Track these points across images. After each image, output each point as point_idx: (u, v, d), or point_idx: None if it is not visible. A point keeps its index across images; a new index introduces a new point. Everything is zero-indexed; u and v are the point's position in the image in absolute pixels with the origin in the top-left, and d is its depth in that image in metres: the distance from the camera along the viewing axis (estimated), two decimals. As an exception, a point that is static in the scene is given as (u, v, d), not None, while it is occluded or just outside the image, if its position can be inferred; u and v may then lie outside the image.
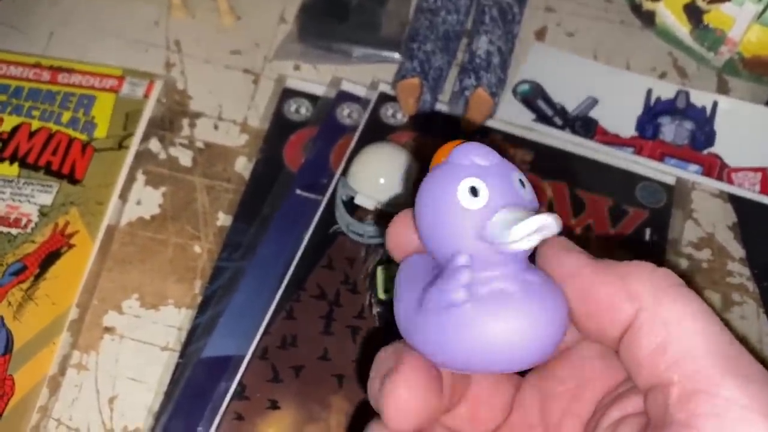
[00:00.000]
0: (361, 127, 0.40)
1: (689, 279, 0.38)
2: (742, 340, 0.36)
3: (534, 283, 0.18)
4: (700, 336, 0.17)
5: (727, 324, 0.36)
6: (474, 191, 0.18)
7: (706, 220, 0.40)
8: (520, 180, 0.18)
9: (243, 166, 0.40)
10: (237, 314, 0.35)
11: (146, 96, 0.42)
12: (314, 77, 0.44)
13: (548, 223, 0.17)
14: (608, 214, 0.38)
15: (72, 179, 0.38)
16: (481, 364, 0.18)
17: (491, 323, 0.18)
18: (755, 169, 0.40)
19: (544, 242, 0.19)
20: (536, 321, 0.18)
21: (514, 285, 0.18)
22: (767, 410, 0.15)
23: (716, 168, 0.41)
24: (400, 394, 0.18)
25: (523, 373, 0.23)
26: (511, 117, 0.42)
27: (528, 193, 0.18)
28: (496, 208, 0.18)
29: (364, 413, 0.31)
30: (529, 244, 0.17)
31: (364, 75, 0.44)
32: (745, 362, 0.16)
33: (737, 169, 0.41)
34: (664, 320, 0.17)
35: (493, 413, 0.23)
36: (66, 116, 0.40)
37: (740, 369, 0.16)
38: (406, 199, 0.36)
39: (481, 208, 0.18)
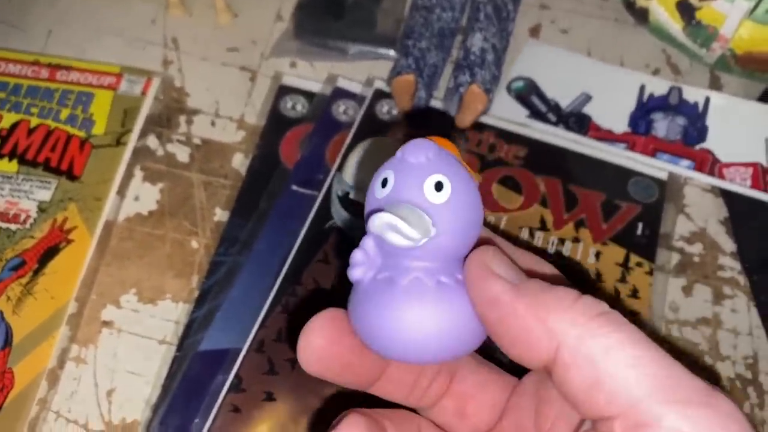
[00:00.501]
0: (356, 124, 0.41)
1: (680, 273, 0.38)
2: (732, 331, 0.36)
3: (446, 285, 0.19)
4: (632, 366, 0.16)
5: (717, 318, 0.37)
6: (384, 183, 0.19)
7: (698, 215, 0.40)
8: (439, 182, 0.19)
9: (240, 162, 0.41)
10: (234, 308, 0.35)
11: (144, 93, 0.42)
12: (310, 74, 0.44)
13: (390, 222, 0.18)
14: (601, 209, 0.39)
15: (70, 175, 0.39)
16: (375, 345, 0.20)
17: (372, 305, 0.19)
18: (746, 165, 0.41)
19: (468, 260, 0.19)
20: (423, 317, 0.19)
21: (426, 280, 0.19)
22: None
23: (708, 163, 0.41)
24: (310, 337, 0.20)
25: (519, 377, 0.23)
26: (506, 113, 0.43)
27: (439, 197, 0.19)
28: (391, 201, 0.19)
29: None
30: (392, 239, 0.18)
31: (360, 72, 0.44)
32: (683, 384, 0.16)
33: (729, 165, 0.41)
34: (589, 356, 0.16)
35: (481, 410, 0.23)
36: (64, 113, 0.41)
37: (679, 393, 0.16)
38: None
39: (382, 198, 0.19)
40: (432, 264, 0.19)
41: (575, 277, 0.36)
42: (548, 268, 0.22)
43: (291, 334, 0.34)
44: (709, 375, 0.35)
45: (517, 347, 0.18)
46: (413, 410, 0.24)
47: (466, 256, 0.20)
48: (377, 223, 0.18)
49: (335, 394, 0.33)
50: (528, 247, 0.37)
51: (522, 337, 0.18)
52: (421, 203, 0.19)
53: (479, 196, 0.20)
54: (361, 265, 0.20)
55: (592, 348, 0.16)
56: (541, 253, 0.37)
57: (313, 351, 0.20)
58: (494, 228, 0.38)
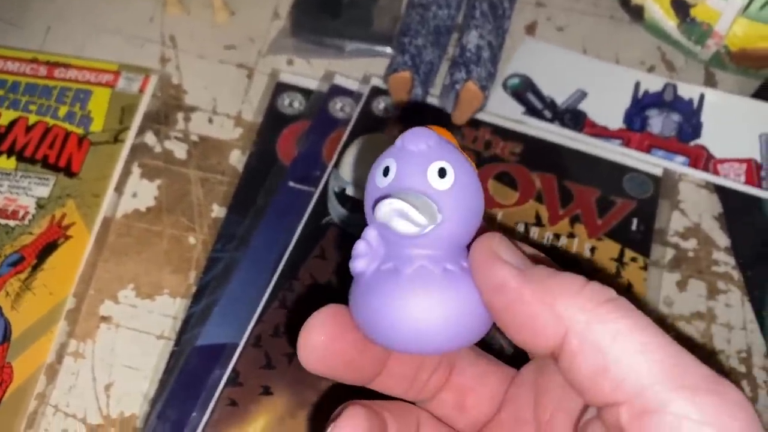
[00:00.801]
0: (353, 121, 0.41)
1: (674, 268, 0.38)
2: (726, 326, 0.36)
3: (451, 272, 0.19)
4: (640, 352, 0.16)
5: (711, 312, 0.37)
6: (386, 171, 0.19)
7: (693, 211, 0.40)
8: (442, 169, 0.18)
9: (237, 159, 0.41)
10: (231, 303, 0.35)
11: (142, 90, 0.42)
12: (307, 72, 0.45)
13: (400, 208, 0.18)
14: (596, 205, 0.39)
15: (69, 172, 0.39)
16: (380, 337, 0.19)
17: (377, 295, 0.19)
18: (740, 161, 0.41)
19: (474, 246, 0.19)
20: (429, 305, 0.18)
21: (432, 268, 0.19)
22: (717, 420, 0.15)
23: (702, 159, 0.41)
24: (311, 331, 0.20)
25: (517, 368, 0.24)
26: (501, 110, 0.43)
27: (443, 183, 0.18)
28: (394, 189, 0.19)
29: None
30: (398, 227, 0.18)
31: (357, 69, 0.44)
32: (691, 370, 0.16)
33: (723, 161, 0.41)
34: (596, 343, 0.16)
35: (481, 402, 0.23)
36: (62, 110, 0.41)
37: (686, 379, 0.16)
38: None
39: (385, 187, 0.19)
40: (436, 252, 0.19)
41: (572, 270, 0.36)
42: (545, 260, 0.22)
43: (290, 331, 0.34)
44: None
45: (524, 333, 0.18)
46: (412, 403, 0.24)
47: (470, 244, 0.20)
48: (385, 210, 0.18)
49: (332, 388, 0.33)
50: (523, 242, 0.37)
51: (529, 324, 0.17)
52: (426, 190, 0.18)
53: (480, 184, 0.20)
54: (364, 256, 0.19)
55: (600, 334, 0.16)
56: (536, 248, 0.37)
57: (314, 348, 0.20)
58: (490, 223, 0.39)
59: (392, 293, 0.18)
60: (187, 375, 0.33)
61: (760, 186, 0.40)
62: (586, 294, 0.17)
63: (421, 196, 0.18)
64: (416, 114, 0.42)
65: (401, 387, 0.23)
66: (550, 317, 0.17)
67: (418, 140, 0.19)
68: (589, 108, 0.43)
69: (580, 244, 0.38)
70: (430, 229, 0.18)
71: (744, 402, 0.16)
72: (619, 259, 0.37)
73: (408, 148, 0.19)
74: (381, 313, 0.19)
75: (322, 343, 0.20)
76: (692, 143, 0.42)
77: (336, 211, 0.38)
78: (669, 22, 0.44)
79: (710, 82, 0.45)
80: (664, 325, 0.36)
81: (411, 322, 0.18)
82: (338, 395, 0.33)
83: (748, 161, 0.41)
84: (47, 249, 0.36)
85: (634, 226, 0.39)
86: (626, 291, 0.36)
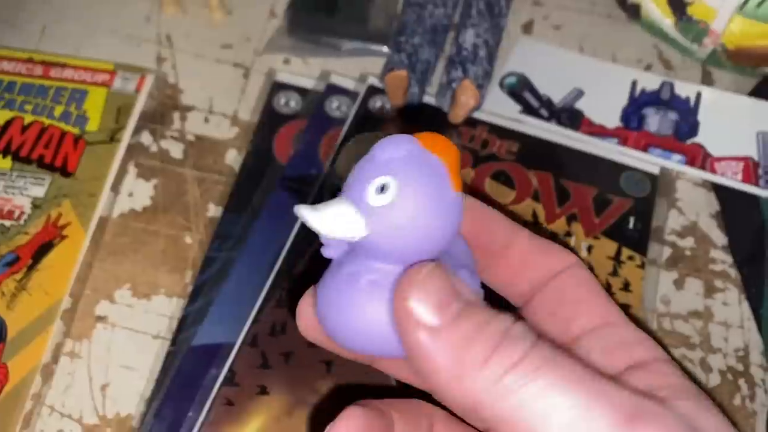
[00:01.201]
0: (349, 120, 0.41)
1: (672, 267, 0.38)
2: (724, 324, 0.36)
3: (375, 285, 0.19)
4: (545, 416, 0.16)
5: (709, 310, 0.37)
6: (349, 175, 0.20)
7: (690, 209, 0.40)
8: (384, 185, 0.18)
9: (233, 158, 0.41)
10: (227, 303, 0.35)
11: (138, 90, 0.42)
12: (304, 71, 0.44)
13: (301, 215, 0.18)
14: (593, 204, 0.39)
15: (64, 172, 0.39)
16: (331, 335, 0.20)
17: (320, 285, 0.21)
18: (737, 159, 0.41)
19: (395, 290, 0.19)
20: (342, 309, 0.19)
21: (362, 276, 0.19)
22: None
23: (699, 158, 0.41)
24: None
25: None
26: (498, 109, 0.43)
27: (379, 199, 0.18)
28: (342, 194, 0.20)
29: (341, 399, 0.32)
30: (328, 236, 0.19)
31: (353, 68, 0.44)
32: (602, 421, 0.16)
33: (720, 159, 0.41)
34: (505, 416, 0.16)
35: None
36: (58, 110, 0.41)
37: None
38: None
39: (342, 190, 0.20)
40: (371, 262, 0.19)
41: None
42: (524, 235, 0.23)
43: (287, 329, 0.34)
44: (700, 368, 0.36)
45: (442, 398, 0.18)
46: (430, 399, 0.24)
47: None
48: (297, 214, 0.19)
49: (329, 387, 0.33)
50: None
51: (444, 391, 0.17)
52: (358, 202, 0.18)
53: (449, 205, 0.19)
54: (328, 244, 0.20)
55: (506, 410, 0.16)
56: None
57: (307, 317, 0.22)
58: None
59: (328, 286, 0.20)
60: (183, 375, 0.33)
61: (757, 184, 0.40)
62: (493, 363, 0.17)
63: (330, 207, 0.19)
64: (413, 113, 0.42)
65: (404, 372, 0.23)
66: (460, 390, 0.17)
67: (384, 151, 0.19)
68: (586, 106, 0.43)
69: (577, 243, 0.38)
70: (360, 238, 0.18)
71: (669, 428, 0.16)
72: (616, 258, 0.37)
73: (372, 156, 0.19)
74: (319, 302, 0.20)
75: (313, 313, 0.21)
76: (689, 141, 0.42)
77: (332, 210, 0.37)
78: (666, 20, 0.44)
79: (707, 80, 0.45)
80: (661, 325, 0.36)
81: (328, 317, 0.20)
82: (336, 394, 0.33)
83: (745, 159, 0.41)
84: (43, 249, 0.36)
85: (631, 225, 0.39)
86: (623, 290, 0.36)
